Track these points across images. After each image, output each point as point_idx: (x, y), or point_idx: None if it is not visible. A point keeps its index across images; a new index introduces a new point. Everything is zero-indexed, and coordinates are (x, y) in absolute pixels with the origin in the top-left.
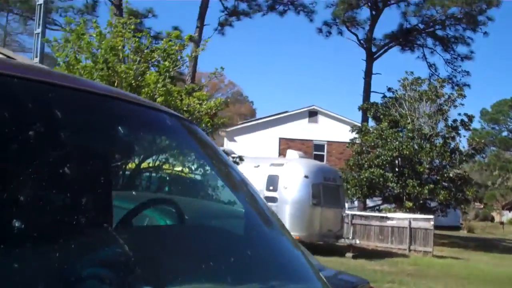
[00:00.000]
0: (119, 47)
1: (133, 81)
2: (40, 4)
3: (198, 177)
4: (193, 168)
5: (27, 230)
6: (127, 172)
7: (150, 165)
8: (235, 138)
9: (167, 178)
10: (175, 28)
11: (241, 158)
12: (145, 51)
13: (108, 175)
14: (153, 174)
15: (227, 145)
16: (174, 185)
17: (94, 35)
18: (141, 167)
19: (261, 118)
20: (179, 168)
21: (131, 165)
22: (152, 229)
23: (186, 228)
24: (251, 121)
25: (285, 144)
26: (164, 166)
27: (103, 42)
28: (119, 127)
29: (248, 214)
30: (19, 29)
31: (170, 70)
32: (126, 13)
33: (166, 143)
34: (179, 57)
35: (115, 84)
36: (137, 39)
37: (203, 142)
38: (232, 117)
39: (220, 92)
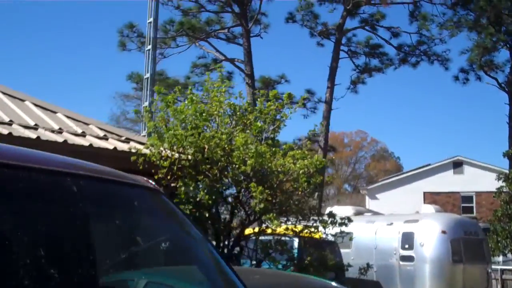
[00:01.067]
0: (215, 112)
1: (226, 146)
2: (147, 78)
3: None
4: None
5: None
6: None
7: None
8: (377, 195)
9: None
10: (308, 91)
11: (349, 219)
12: (238, 113)
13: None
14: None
15: (369, 203)
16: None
17: (188, 102)
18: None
19: (402, 173)
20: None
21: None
22: None
23: None
24: (392, 177)
25: (430, 198)
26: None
27: (189, 108)
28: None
29: None
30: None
31: (266, 130)
32: (259, 81)
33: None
34: (278, 116)
35: (205, 149)
36: (231, 103)
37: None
38: (378, 174)
39: (363, 150)
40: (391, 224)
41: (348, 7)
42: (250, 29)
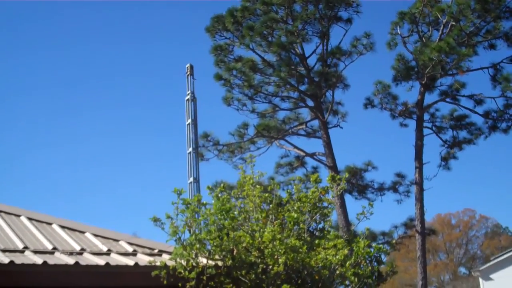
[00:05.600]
0: (250, 209)
1: (261, 245)
2: (190, 182)
3: None
4: None
5: None
6: None
7: None
8: (492, 276)
9: None
10: (398, 175)
11: None
12: (270, 206)
13: None
14: None
15: (484, 286)
16: None
17: (214, 201)
18: None
19: None
20: None
21: None
22: None
23: None
24: (506, 253)
25: None
26: None
27: (208, 208)
28: None
29: None
30: None
31: (305, 222)
32: (345, 172)
33: None
34: (324, 204)
35: (234, 252)
36: (265, 195)
37: None
38: (493, 252)
39: (473, 229)
40: None
41: (423, 82)
42: (327, 120)
